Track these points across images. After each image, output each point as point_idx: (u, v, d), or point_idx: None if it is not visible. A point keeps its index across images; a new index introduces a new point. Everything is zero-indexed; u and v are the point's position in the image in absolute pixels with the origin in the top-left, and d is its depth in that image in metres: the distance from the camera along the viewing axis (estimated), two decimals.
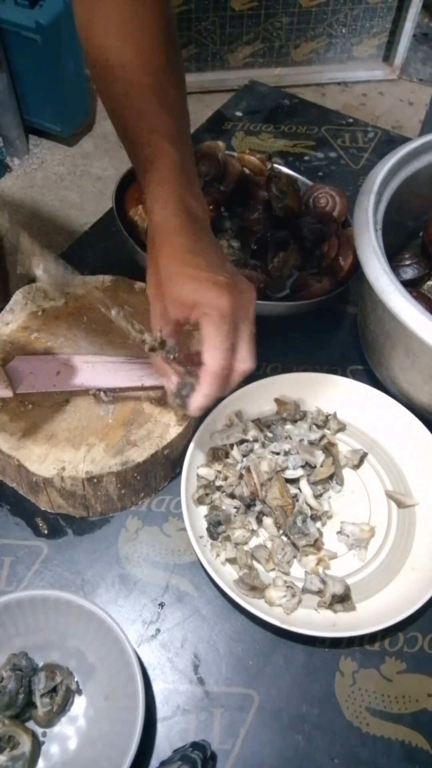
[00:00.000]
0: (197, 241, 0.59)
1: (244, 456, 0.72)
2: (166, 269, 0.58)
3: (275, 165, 0.99)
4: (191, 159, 0.64)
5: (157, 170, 0.60)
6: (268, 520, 0.70)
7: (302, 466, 0.71)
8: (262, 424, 0.75)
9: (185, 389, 0.61)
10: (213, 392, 0.59)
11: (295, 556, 0.68)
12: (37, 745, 0.58)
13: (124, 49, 0.61)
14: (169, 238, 0.59)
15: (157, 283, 0.59)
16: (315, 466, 0.72)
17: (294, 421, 0.76)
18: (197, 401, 0.60)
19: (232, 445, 0.73)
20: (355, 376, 0.82)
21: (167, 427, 0.70)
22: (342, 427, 0.77)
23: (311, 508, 0.70)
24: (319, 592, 0.65)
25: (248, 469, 0.70)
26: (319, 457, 0.72)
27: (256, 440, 0.73)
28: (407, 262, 0.82)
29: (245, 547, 0.68)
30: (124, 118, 0.62)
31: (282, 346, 0.86)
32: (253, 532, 0.70)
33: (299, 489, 0.71)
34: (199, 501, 0.70)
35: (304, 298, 0.82)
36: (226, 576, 0.65)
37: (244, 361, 0.59)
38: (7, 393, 0.70)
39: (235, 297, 0.57)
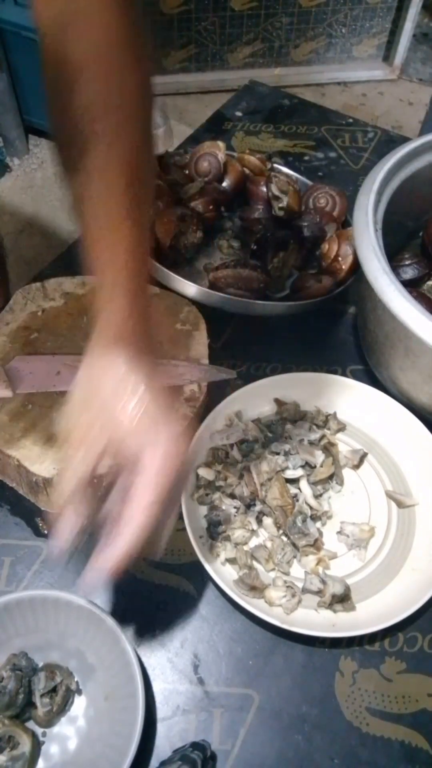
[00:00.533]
0: (141, 361, 0.52)
1: (244, 456, 0.72)
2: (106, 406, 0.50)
3: (275, 165, 0.99)
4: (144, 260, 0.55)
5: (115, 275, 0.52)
6: (268, 520, 0.70)
7: (302, 466, 0.71)
8: (262, 424, 0.75)
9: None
10: (122, 559, 0.49)
11: (295, 556, 0.68)
12: (36, 745, 0.58)
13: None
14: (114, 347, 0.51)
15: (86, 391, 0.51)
16: (315, 466, 0.72)
17: (294, 421, 0.76)
18: (92, 578, 0.50)
19: (232, 445, 0.73)
20: (355, 376, 0.82)
21: None
22: (342, 427, 0.77)
23: (311, 508, 0.70)
24: (319, 592, 0.65)
25: (248, 469, 0.70)
26: (319, 457, 0.72)
27: (256, 440, 0.73)
28: (407, 262, 0.82)
29: (245, 547, 0.68)
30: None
31: (282, 346, 0.86)
32: (253, 532, 0.70)
33: (299, 489, 0.71)
34: (199, 501, 0.70)
35: (304, 298, 0.82)
36: (226, 576, 0.65)
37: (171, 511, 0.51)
38: (7, 393, 0.70)
39: (170, 454, 0.49)
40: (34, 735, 0.58)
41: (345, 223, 0.92)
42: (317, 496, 0.71)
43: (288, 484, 0.70)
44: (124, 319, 0.52)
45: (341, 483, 0.73)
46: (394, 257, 0.80)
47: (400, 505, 0.72)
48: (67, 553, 0.51)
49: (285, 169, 0.98)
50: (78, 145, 0.52)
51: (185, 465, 0.52)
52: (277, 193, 0.89)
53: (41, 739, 0.59)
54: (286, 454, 0.72)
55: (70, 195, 0.54)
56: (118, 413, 0.50)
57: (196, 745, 0.57)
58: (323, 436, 0.74)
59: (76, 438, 0.51)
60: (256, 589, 0.64)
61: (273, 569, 0.68)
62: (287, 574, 0.67)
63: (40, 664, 0.61)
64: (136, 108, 0.52)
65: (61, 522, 0.51)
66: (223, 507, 0.69)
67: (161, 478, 0.49)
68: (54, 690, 0.59)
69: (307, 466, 0.72)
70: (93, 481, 0.50)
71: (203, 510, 0.70)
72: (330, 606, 0.64)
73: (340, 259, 0.84)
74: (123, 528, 0.49)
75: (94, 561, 0.50)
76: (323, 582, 0.65)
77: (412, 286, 0.78)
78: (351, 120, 1.19)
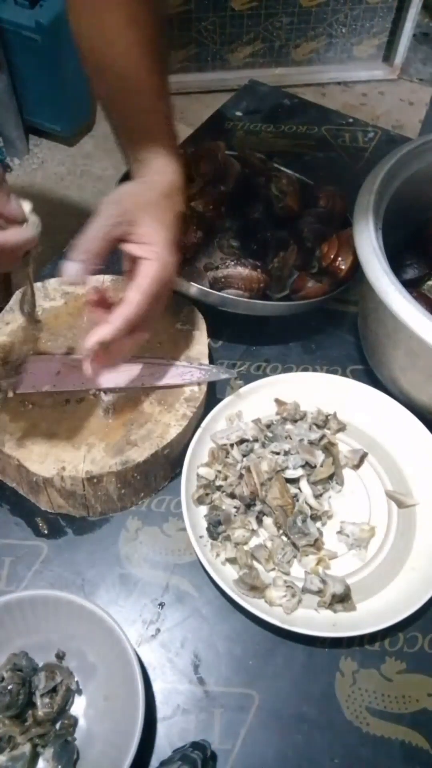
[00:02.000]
0: (170, 201, 0.64)
1: (244, 456, 0.72)
2: (144, 196, 0.62)
3: (275, 165, 0.99)
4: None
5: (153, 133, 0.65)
6: (268, 520, 0.70)
7: (302, 466, 0.71)
8: (262, 424, 0.75)
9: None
10: (120, 333, 0.59)
11: (295, 556, 0.68)
12: (36, 746, 0.58)
13: (125, 53, 0.63)
14: (165, 175, 0.64)
15: (125, 194, 0.62)
16: (315, 466, 0.72)
17: (294, 421, 0.76)
18: (104, 333, 0.59)
19: (232, 445, 0.73)
20: (355, 376, 0.82)
21: (167, 427, 0.70)
22: (342, 427, 0.77)
23: (311, 508, 0.70)
24: (319, 592, 0.65)
25: (248, 469, 0.70)
26: (319, 457, 0.72)
27: (256, 440, 0.73)
28: (407, 262, 0.82)
29: (245, 547, 0.68)
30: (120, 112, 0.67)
31: (282, 346, 0.86)
32: (253, 532, 0.70)
33: (299, 489, 0.71)
34: (199, 501, 0.70)
35: (304, 298, 0.82)
36: (226, 576, 0.65)
37: (147, 329, 0.63)
38: (7, 393, 0.70)
39: (173, 269, 0.63)
40: (34, 735, 0.58)
41: (345, 223, 0.91)
42: (317, 496, 0.71)
43: (288, 484, 0.70)
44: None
45: (341, 483, 0.73)
46: (394, 257, 0.80)
47: (400, 505, 0.72)
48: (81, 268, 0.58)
49: (285, 169, 0.98)
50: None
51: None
52: (277, 193, 0.89)
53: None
54: (286, 454, 0.72)
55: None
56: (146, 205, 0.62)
57: (196, 745, 0.57)
58: (323, 436, 0.74)
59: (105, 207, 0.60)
60: (256, 588, 0.64)
61: (273, 569, 0.68)
62: (287, 573, 0.67)
63: (40, 664, 0.61)
64: None
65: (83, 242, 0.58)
66: (223, 507, 0.69)
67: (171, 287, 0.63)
68: (54, 690, 0.59)
69: (307, 466, 0.72)
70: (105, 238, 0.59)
71: (203, 510, 0.70)
72: (330, 606, 0.64)
73: (340, 259, 0.84)
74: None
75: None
76: (323, 582, 0.65)
77: (412, 286, 0.78)
78: (351, 120, 1.19)
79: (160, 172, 0.65)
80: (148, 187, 0.64)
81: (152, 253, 0.60)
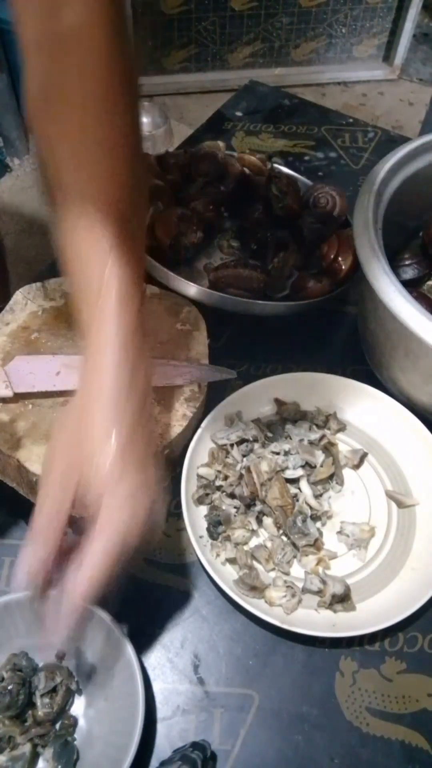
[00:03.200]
0: (126, 414, 0.50)
1: (244, 456, 0.72)
2: (90, 440, 0.49)
3: (275, 165, 0.99)
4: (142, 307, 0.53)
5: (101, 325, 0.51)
6: (268, 520, 0.70)
7: (302, 466, 0.71)
8: (262, 424, 0.75)
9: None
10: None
11: (295, 556, 0.68)
12: (36, 746, 0.58)
13: (86, 181, 0.49)
14: (103, 398, 0.50)
15: (67, 447, 0.50)
16: (315, 466, 0.72)
17: (294, 421, 0.76)
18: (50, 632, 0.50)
19: (232, 445, 0.73)
20: (355, 376, 0.82)
21: (167, 427, 0.70)
22: (342, 427, 0.77)
23: (311, 508, 0.70)
24: (319, 592, 0.65)
25: (248, 469, 0.70)
26: (319, 457, 0.72)
27: (256, 440, 0.73)
28: (407, 262, 0.82)
29: (245, 547, 0.68)
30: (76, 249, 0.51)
31: (282, 346, 0.86)
32: (253, 532, 0.70)
33: (299, 489, 0.71)
34: (199, 501, 0.70)
35: (304, 298, 0.82)
36: (226, 576, 0.65)
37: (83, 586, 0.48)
38: (7, 393, 0.70)
39: (133, 525, 0.49)
40: (34, 735, 0.58)
41: (345, 223, 0.92)
42: (317, 496, 0.71)
43: (288, 484, 0.70)
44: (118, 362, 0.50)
45: (341, 483, 0.73)
46: (394, 257, 0.80)
47: (400, 505, 0.72)
48: (32, 586, 0.49)
49: (285, 169, 0.98)
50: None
51: (152, 520, 0.49)
52: (277, 193, 0.89)
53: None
54: (286, 454, 0.72)
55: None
56: (92, 455, 0.48)
57: (196, 745, 0.57)
58: (323, 436, 0.74)
59: (49, 477, 0.50)
60: (256, 589, 0.64)
61: (273, 569, 0.68)
62: (287, 574, 0.67)
63: (40, 664, 0.61)
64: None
65: (26, 553, 0.49)
66: (223, 507, 0.69)
67: (116, 537, 0.47)
68: (54, 690, 0.59)
69: (307, 466, 0.72)
70: (60, 520, 0.49)
71: (203, 510, 0.70)
72: (330, 606, 0.64)
73: (340, 259, 0.84)
74: (74, 582, 0.48)
75: (53, 607, 0.49)
76: (323, 582, 0.65)
77: (412, 286, 0.78)
78: (351, 120, 1.19)
79: (103, 377, 0.50)
80: (84, 424, 0.50)
81: (105, 511, 0.48)
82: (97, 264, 0.50)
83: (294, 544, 0.68)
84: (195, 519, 0.68)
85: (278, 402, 0.78)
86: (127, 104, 0.49)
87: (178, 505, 0.70)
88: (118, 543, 0.48)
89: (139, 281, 0.53)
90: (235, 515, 0.69)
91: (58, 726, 0.59)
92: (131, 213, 0.51)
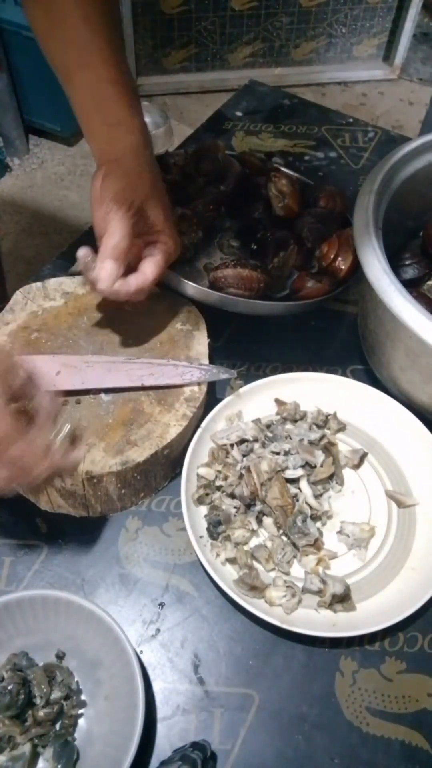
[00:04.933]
0: (159, 178, 0.71)
1: (244, 456, 0.72)
2: (142, 181, 0.67)
3: (275, 165, 0.99)
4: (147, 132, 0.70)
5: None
6: (268, 520, 0.70)
7: (302, 466, 0.71)
8: (262, 424, 0.75)
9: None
10: (129, 294, 0.68)
11: (295, 556, 0.68)
12: (36, 746, 0.58)
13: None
14: (140, 161, 0.68)
15: (128, 186, 0.66)
16: (315, 466, 0.72)
17: (294, 421, 0.76)
18: (117, 284, 0.67)
19: (232, 445, 0.73)
20: (355, 376, 0.82)
21: (167, 427, 0.70)
22: (342, 427, 0.77)
23: (311, 508, 0.70)
24: (319, 592, 0.65)
25: (248, 469, 0.70)
26: (319, 457, 0.72)
27: (256, 440, 0.73)
28: (407, 262, 0.82)
29: (245, 547, 0.68)
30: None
31: (282, 346, 0.86)
32: (253, 532, 0.70)
33: (299, 489, 0.71)
34: (199, 501, 0.70)
35: (304, 298, 0.82)
36: (226, 576, 0.65)
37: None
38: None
39: (178, 240, 0.73)
40: (34, 735, 0.58)
41: (345, 223, 0.92)
42: (317, 496, 0.71)
43: (288, 484, 0.70)
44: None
45: (341, 483, 0.73)
46: (394, 257, 0.80)
47: (400, 505, 0.72)
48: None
49: (285, 169, 0.98)
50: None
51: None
52: (277, 193, 0.89)
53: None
54: (286, 454, 0.72)
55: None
56: (150, 194, 0.69)
57: (196, 745, 0.57)
58: (323, 436, 0.74)
59: (111, 212, 0.67)
60: (256, 588, 0.64)
61: (273, 569, 0.68)
62: (287, 573, 0.67)
63: (40, 664, 0.61)
64: None
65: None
66: (223, 507, 0.69)
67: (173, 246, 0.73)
68: (54, 690, 0.59)
69: (307, 466, 0.72)
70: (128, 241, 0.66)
71: (203, 510, 0.70)
72: (330, 606, 0.64)
73: (340, 259, 0.84)
74: None
75: None
76: (323, 582, 0.65)
77: (412, 286, 0.78)
78: (351, 120, 1.19)
79: (126, 145, 0.67)
80: (128, 171, 0.66)
81: (163, 236, 0.69)
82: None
83: (294, 544, 0.68)
84: (195, 519, 0.68)
85: (278, 402, 0.78)
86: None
87: (178, 505, 0.70)
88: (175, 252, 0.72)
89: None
90: (235, 515, 0.69)
91: (58, 726, 0.59)
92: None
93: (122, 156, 0.67)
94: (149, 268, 0.69)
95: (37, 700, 0.58)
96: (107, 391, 0.72)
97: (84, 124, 0.69)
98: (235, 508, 0.69)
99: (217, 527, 0.68)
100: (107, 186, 0.66)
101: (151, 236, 0.70)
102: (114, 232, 0.66)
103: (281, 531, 0.69)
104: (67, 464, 0.60)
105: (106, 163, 0.67)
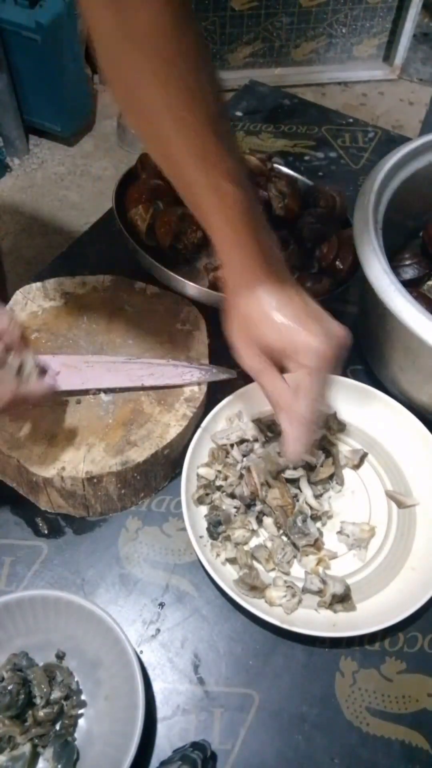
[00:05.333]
0: (281, 284, 0.58)
1: (244, 456, 0.72)
2: (254, 314, 0.57)
3: (275, 165, 0.99)
4: (256, 197, 0.60)
5: (224, 212, 0.56)
6: (268, 520, 0.70)
7: (302, 466, 0.71)
8: (262, 424, 0.75)
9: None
10: (304, 437, 0.58)
11: (295, 556, 0.68)
12: (36, 746, 0.58)
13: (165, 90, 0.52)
14: (251, 281, 0.58)
15: (243, 326, 0.59)
16: (315, 466, 0.71)
17: None
18: (293, 447, 0.59)
19: (232, 445, 0.73)
20: (355, 376, 0.82)
21: (167, 427, 0.70)
22: (342, 427, 0.77)
23: (311, 508, 0.70)
24: (319, 592, 0.65)
25: (248, 469, 0.70)
26: (319, 457, 0.72)
27: (256, 440, 0.73)
28: (407, 262, 0.82)
29: (245, 547, 0.68)
30: (175, 159, 0.56)
31: None
32: (253, 532, 0.70)
33: (299, 489, 0.71)
34: (199, 501, 0.70)
35: None
36: (226, 576, 0.65)
37: (326, 407, 0.65)
38: None
39: (330, 344, 0.57)
40: (34, 735, 0.58)
41: (345, 223, 0.92)
42: (317, 496, 0.71)
43: (288, 484, 0.70)
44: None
45: (341, 483, 0.73)
46: (394, 257, 0.80)
47: (400, 505, 0.72)
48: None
49: (285, 169, 0.98)
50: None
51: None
52: (277, 193, 0.89)
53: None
54: None
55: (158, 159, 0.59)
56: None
57: (196, 745, 0.57)
58: (323, 436, 0.74)
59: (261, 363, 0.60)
60: (256, 589, 0.64)
61: (273, 569, 0.68)
62: (287, 574, 0.67)
63: (40, 664, 0.61)
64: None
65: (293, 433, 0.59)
66: (223, 507, 0.69)
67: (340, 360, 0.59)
68: (54, 690, 0.59)
69: (307, 466, 0.72)
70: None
71: (203, 510, 0.70)
72: (330, 606, 0.64)
73: (340, 259, 0.84)
74: None
75: None
76: (323, 582, 0.65)
77: (412, 286, 0.78)
78: (351, 120, 1.19)
79: (245, 279, 0.58)
80: (267, 302, 0.58)
81: (296, 359, 0.57)
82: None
83: (294, 544, 0.68)
84: (195, 519, 0.68)
85: None
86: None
87: (178, 505, 0.70)
88: (330, 365, 0.58)
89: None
90: (235, 515, 0.69)
91: (58, 726, 0.59)
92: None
93: (238, 277, 0.58)
94: (302, 407, 0.58)
95: (37, 700, 0.58)
96: (107, 391, 0.72)
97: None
98: (235, 508, 0.69)
99: (217, 527, 0.68)
100: (239, 329, 0.59)
101: (294, 366, 0.58)
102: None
103: (281, 531, 0.69)
104: (35, 390, 0.60)
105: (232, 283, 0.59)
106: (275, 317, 0.57)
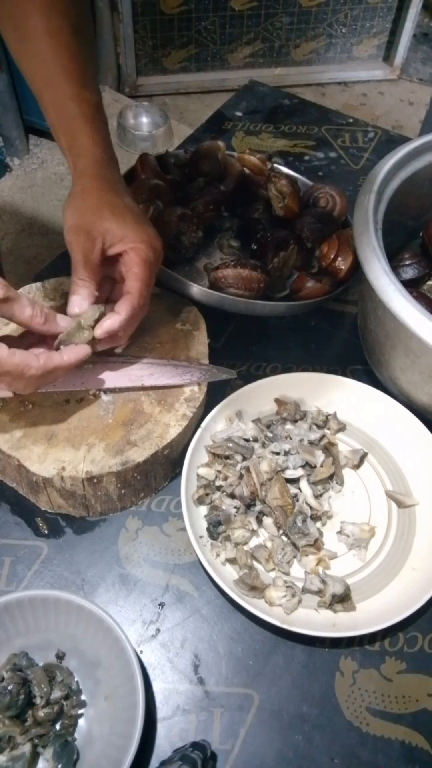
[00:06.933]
0: (123, 186, 0.68)
1: (244, 457, 0.72)
2: (94, 204, 0.65)
3: (275, 165, 0.99)
4: (108, 138, 0.70)
5: (84, 114, 0.67)
6: (268, 520, 0.70)
7: (302, 466, 0.71)
8: (262, 424, 0.75)
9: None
10: (128, 322, 0.65)
11: (295, 556, 0.68)
12: (36, 746, 0.58)
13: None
14: (103, 172, 0.66)
15: (79, 215, 0.65)
16: (315, 466, 0.72)
17: (294, 421, 0.76)
18: (113, 323, 0.64)
19: (227, 456, 0.73)
20: (355, 376, 0.82)
21: (167, 427, 0.70)
22: (342, 427, 0.77)
23: (311, 508, 0.70)
24: (319, 592, 0.65)
25: (248, 469, 0.70)
26: (319, 457, 0.72)
27: (256, 440, 0.73)
28: (407, 262, 0.82)
29: (245, 547, 0.68)
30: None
31: (282, 346, 0.86)
32: (253, 532, 0.70)
33: (299, 489, 0.71)
34: (199, 501, 0.70)
35: (304, 298, 0.82)
36: (226, 576, 0.65)
37: (147, 306, 0.68)
38: (6, 393, 0.70)
39: (159, 245, 0.67)
40: (34, 735, 0.58)
41: (345, 223, 0.92)
42: (317, 496, 0.71)
43: (288, 484, 0.70)
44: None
45: (341, 483, 0.73)
46: (394, 257, 0.80)
47: (400, 505, 0.72)
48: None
49: (285, 169, 0.98)
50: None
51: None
52: (277, 193, 0.89)
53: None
54: (286, 454, 0.72)
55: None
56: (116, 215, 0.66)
57: (196, 745, 0.57)
58: (323, 436, 0.74)
59: (79, 236, 0.65)
60: (256, 589, 0.64)
61: (273, 569, 0.68)
62: (287, 574, 0.67)
63: (40, 664, 0.61)
64: None
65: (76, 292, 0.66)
66: (223, 507, 0.69)
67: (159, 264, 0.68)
68: (54, 690, 0.59)
69: (307, 466, 0.72)
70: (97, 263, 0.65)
71: (203, 510, 0.70)
72: (330, 606, 0.64)
73: (339, 259, 0.84)
74: None
75: None
76: (323, 582, 0.65)
77: (412, 286, 0.78)
78: (351, 120, 1.19)
79: (93, 171, 0.67)
80: (88, 196, 0.66)
81: (128, 243, 0.65)
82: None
83: (294, 544, 0.68)
84: (195, 519, 0.68)
85: (278, 402, 0.78)
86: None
87: (178, 505, 0.70)
88: (155, 264, 0.67)
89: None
90: (235, 515, 0.69)
91: (58, 726, 0.59)
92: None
93: (83, 172, 0.67)
94: (130, 285, 0.66)
95: (37, 700, 0.58)
96: (107, 391, 0.72)
97: (58, 142, 0.69)
98: (235, 508, 0.69)
99: (217, 527, 0.68)
100: (68, 216, 0.66)
101: (115, 248, 0.66)
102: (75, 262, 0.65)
103: (281, 531, 0.69)
104: (60, 364, 0.62)
105: (75, 181, 0.67)
106: (121, 211, 0.65)
